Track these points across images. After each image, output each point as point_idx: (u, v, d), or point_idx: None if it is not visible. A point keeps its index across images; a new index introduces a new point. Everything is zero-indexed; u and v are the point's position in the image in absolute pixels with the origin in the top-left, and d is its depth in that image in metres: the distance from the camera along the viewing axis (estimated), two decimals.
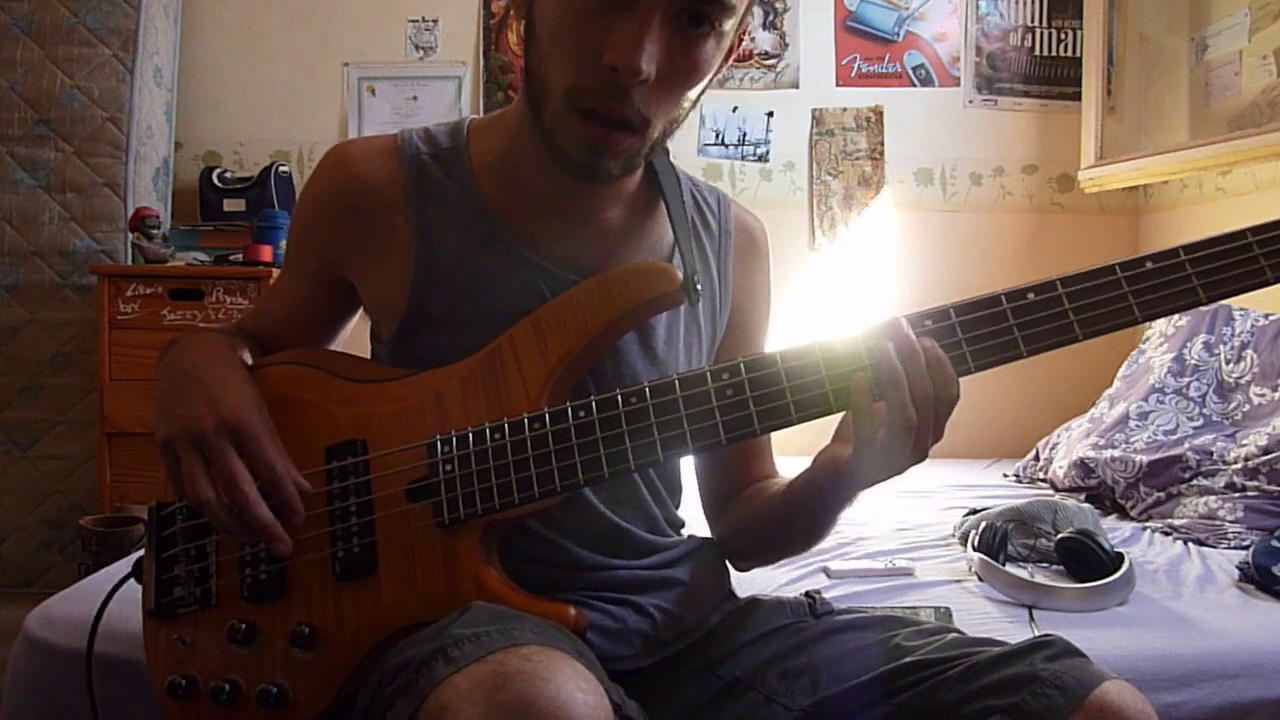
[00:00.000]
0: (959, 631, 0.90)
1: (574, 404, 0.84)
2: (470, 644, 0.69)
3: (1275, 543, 1.56)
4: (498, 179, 0.94)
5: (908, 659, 0.85)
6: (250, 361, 0.96)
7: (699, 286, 0.96)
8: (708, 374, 0.82)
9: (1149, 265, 0.79)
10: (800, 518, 0.96)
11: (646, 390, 0.83)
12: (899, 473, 0.82)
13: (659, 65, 0.80)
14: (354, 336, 1.07)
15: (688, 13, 0.80)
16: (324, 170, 0.97)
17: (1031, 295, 0.80)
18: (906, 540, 1.81)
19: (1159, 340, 2.42)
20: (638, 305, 0.87)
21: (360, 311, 1.04)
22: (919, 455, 0.81)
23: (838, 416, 0.84)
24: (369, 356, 1.02)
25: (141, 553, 0.94)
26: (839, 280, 3.05)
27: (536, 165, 0.92)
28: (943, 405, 0.79)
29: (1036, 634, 1.31)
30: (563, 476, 0.83)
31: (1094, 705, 0.76)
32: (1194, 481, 1.96)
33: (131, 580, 0.95)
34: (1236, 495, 1.87)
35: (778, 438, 0.98)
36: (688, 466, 1.04)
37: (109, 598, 0.99)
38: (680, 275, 0.87)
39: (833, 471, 0.86)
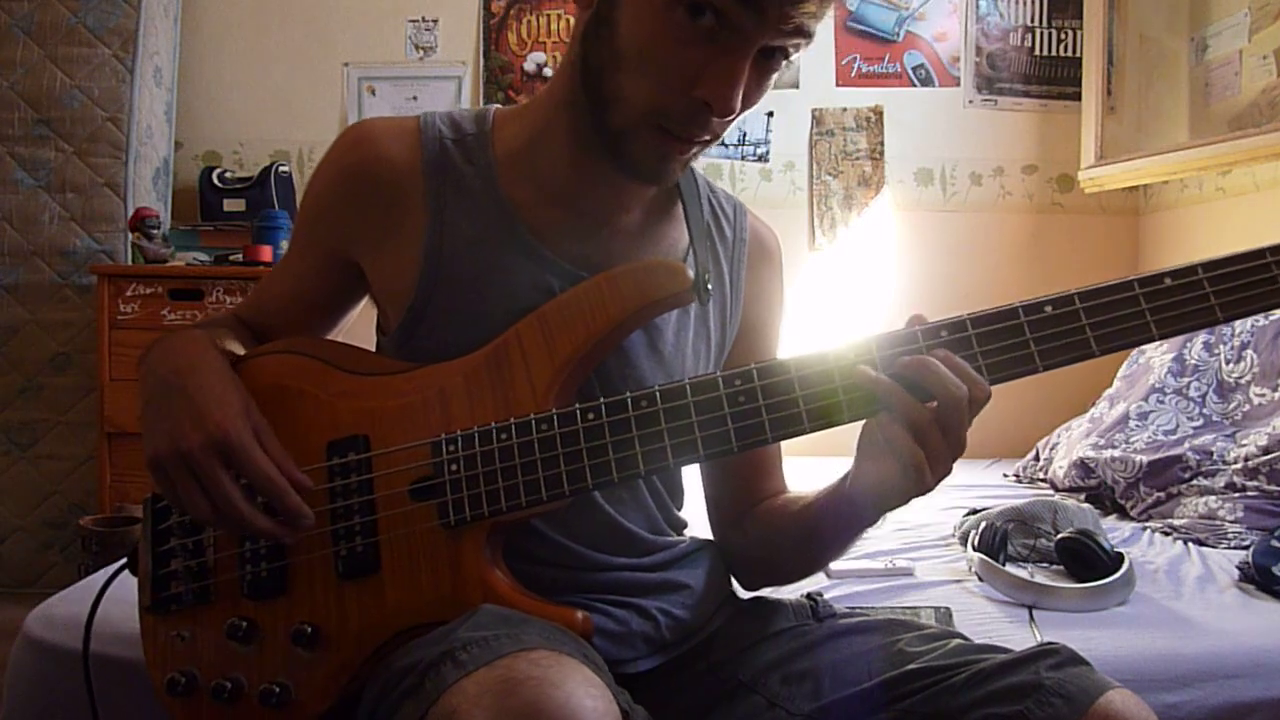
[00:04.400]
0: (963, 637, 0.89)
1: (583, 406, 0.82)
2: (479, 648, 0.68)
3: (1275, 543, 1.56)
4: (518, 170, 0.93)
5: (911, 665, 0.85)
6: (241, 352, 0.94)
7: (709, 287, 0.95)
8: (719, 379, 0.81)
9: (1168, 282, 0.77)
10: (823, 537, 0.94)
11: (657, 394, 0.81)
12: (934, 485, 0.79)
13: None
14: (360, 333, 1.07)
15: (778, 48, 0.81)
16: (343, 146, 0.95)
17: (1049, 309, 0.78)
18: (906, 540, 1.81)
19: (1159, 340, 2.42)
20: (647, 303, 0.85)
21: (363, 303, 1.02)
22: (958, 450, 0.78)
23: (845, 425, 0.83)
24: (374, 350, 1.00)
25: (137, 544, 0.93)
26: (839, 280, 3.05)
27: (559, 160, 0.91)
28: (976, 405, 0.78)
29: (1038, 635, 1.32)
30: (571, 480, 0.82)
31: (1098, 714, 0.76)
32: (1194, 481, 1.96)
33: (132, 580, 0.94)
34: (1236, 495, 1.87)
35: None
36: (691, 475, 1.03)
37: (104, 589, 0.98)
38: (691, 274, 0.86)
39: (864, 492, 0.84)
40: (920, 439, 0.77)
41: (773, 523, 1.00)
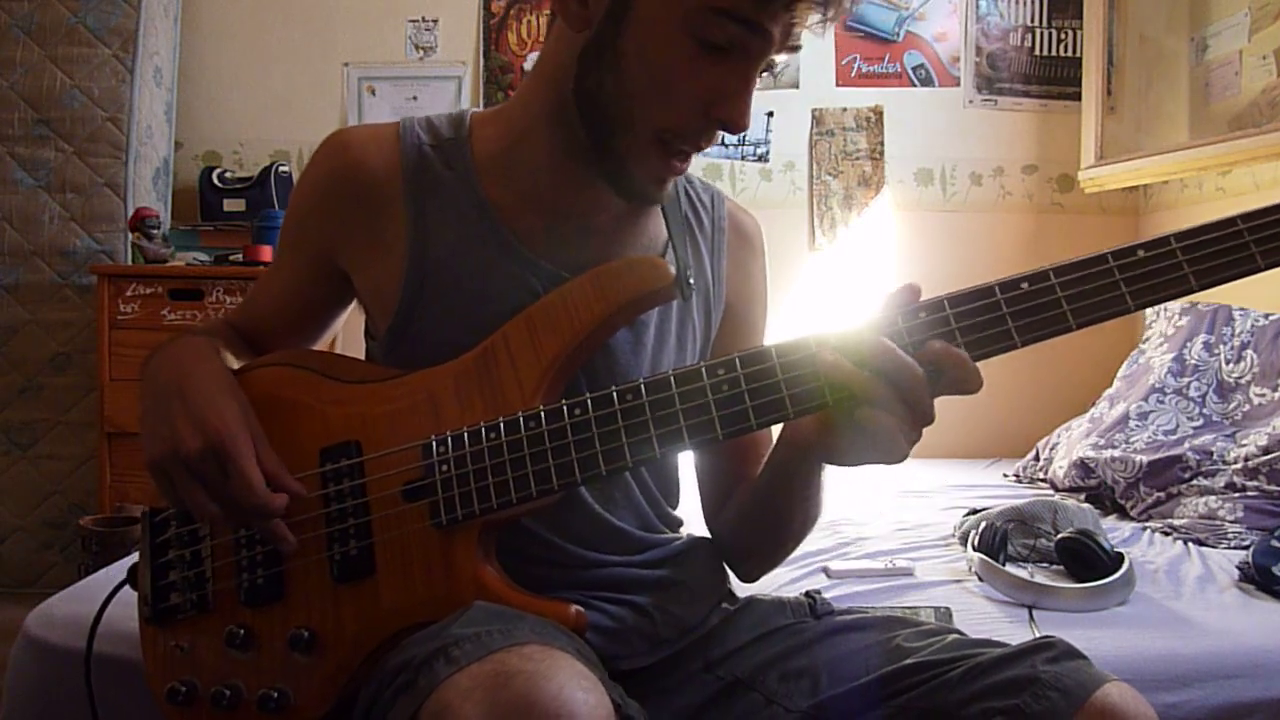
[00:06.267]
0: (960, 633, 0.90)
1: (569, 402, 0.83)
2: (471, 643, 0.69)
3: (1275, 543, 1.56)
4: (498, 173, 0.94)
5: (908, 660, 0.85)
6: (237, 363, 0.95)
7: (691, 281, 0.96)
8: (703, 370, 0.82)
9: (1141, 253, 0.78)
10: (783, 491, 0.94)
11: (642, 387, 0.82)
12: (906, 454, 0.80)
13: None
14: (352, 335, 1.07)
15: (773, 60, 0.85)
16: (324, 155, 0.96)
17: (1025, 285, 0.80)
18: (906, 540, 1.82)
19: (1159, 340, 2.42)
20: (630, 301, 0.86)
21: (352, 306, 1.03)
22: (925, 420, 0.78)
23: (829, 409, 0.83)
24: (364, 356, 1.01)
25: (136, 558, 0.94)
26: (839, 280, 3.05)
27: (540, 166, 0.92)
28: (947, 383, 0.78)
29: (1037, 635, 1.31)
30: (560, 475, 0.82)
31: (1095, 707, 0.76)
32: (1194, 481, 1.96)
33: (127, 586, 0.95)
34: (1236, 495, 1.87)
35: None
36: (686, 467, 1.03)
37: (105, 604, 0.99)
38: (673, 270, 0.87)
39: (808, 440, 0.85)
40: (887, 411, 0.77)
41: (744, 492, 1.01)
